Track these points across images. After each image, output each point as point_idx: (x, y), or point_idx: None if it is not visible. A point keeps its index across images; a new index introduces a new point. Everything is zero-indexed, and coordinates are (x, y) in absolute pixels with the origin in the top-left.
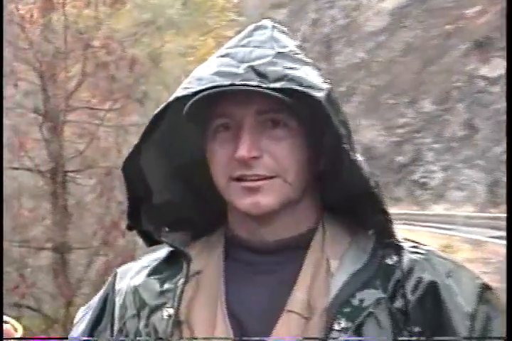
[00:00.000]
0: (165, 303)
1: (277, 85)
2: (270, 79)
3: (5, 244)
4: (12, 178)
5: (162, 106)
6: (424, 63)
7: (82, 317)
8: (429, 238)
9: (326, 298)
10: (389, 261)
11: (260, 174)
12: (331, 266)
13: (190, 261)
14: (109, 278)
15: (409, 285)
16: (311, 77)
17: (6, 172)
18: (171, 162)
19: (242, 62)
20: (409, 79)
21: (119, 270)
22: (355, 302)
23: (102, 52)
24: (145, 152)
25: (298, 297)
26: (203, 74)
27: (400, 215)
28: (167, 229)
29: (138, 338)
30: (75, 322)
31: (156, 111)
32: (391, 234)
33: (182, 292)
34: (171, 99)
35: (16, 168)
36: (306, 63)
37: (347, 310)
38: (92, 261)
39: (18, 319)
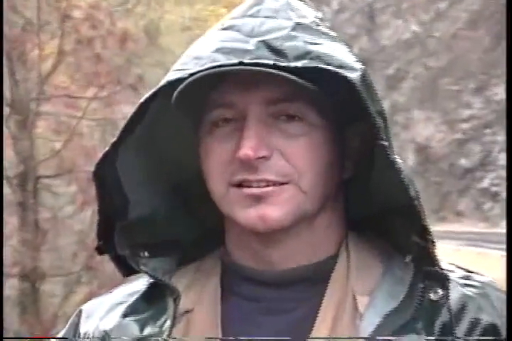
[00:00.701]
0: None
1: (299, 64)
2: (289, 56)
3: None
4: None
5: (148, 93)
6: (496, 38)
7: None
8: (501, 262)
9: None
10: (433, 297)
11: (268, 179)
12: (359, 304)
13: (179, 296)
14: (72, 318)
15: (462, 329)
16: (341, 54)
17: None
18: (154, 164)
19: (251, 36)
20: (476, 59)
21: (85, 307)
22: None
23: (84, 25)
24: (123, 152)
25: None
26: (202, 52)
27: (464, 234)
28: (147, 254)
29: (139, 337)
30: None
31: (141, 100)
32: (434, 261)
33: (169, 337)
34: (161, 84)
35: None
36: (333, 38)
37: None
38: (71, 291)
39: None
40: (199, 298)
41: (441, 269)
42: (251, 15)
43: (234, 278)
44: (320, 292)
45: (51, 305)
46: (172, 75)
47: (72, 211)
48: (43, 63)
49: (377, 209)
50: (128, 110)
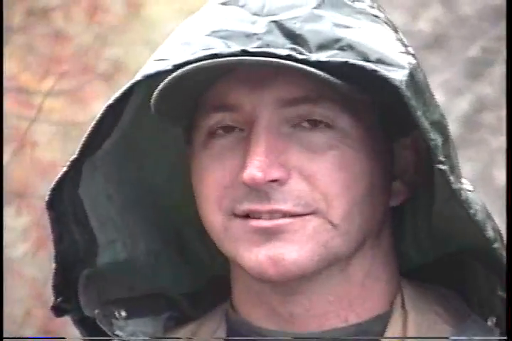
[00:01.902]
0: None
1: (323, 57)
2: (311, 44)
3: None
4: None
5: (118, 93)
6: None
7: None
8: None
9: None
10: None
11: (284, 209)
12: None
13: None
14: None
15: None
16: (383, 42)
17: None
18: (132, 189)
19: (261, 14)
20: None
21: None
22: None
23: None
24: (89, 173)
25: None
26: (192, 35)
27: None
28: (124, 314)
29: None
30: None
31: (107, 102)
32: None
33: None
34: (136, 79)
35: None
36: (375, 18)
37: None
38: None
39: None
40: None
41: None
42: None
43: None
44: None
45: None
46: (151, 67)
47: (24, 251)
48: None
49: (441, 251)
50: (99, 109)
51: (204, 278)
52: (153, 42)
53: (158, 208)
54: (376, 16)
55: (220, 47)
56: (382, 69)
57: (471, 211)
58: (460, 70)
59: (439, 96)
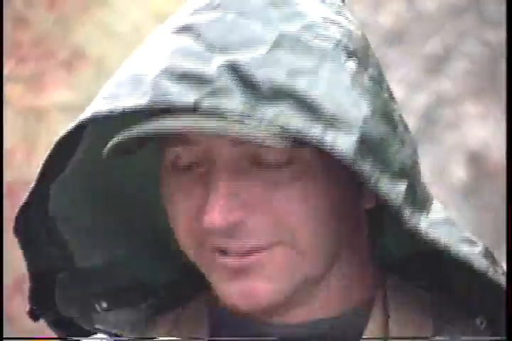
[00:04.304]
0: None
1: (270, 114)
2: (264, 92)
3: None
4: None
5: (68, 128)
6: None
7: None
8: None
9: None
10: None
11: (248, 246)
12: None
13: None
14: None
15: None
16: (337, 91)
17: None
18: (105, 197)
19: (214, 49)
20: None
21: None
22: None
23: None
24: (55, 191)
25: None
26: (144, 70)
27: None
28: (105, 305)
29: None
30: None
31: (58, 138)
32: None
33: None
34: (86, 116)
35: None
36: (334, 53)
37: None
38: None
39: None
40: None
41: None
42: (218, 8)
43: (226, 330)
44: None
45: None
46: (99, 106)
47: None
48: None
49: (419, 248)
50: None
51: (183, 266)
52: (114, 28)
53: (132, 212)
54: (351, 52)
55: (172, 91)
56: (329, 137)
57: (433, 242)
58: (419, 66)
59: (398, 92)
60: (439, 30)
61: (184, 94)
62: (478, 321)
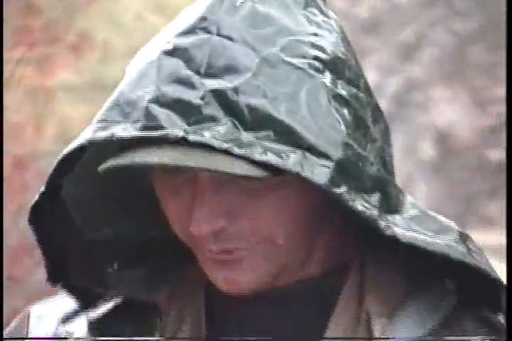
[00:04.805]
0: None
1: (251, 144)
2: (247, 120)
3: None
4: None
5: (70, 148)
6: None
7: None
8: None
9: None
10: None
11: (231, 247)
12: (375, 327)
13: (166, 318)
14: (14, 323)
15: None
16: (317, 115)
17: None
18: (114, 183)
19: (201, 74)
20: None
21: (34, 310)
22: None
23: None
24: (67, 182)
25: None
26: (136, 94)
27: (493, 246)
28: (116, 266)
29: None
30: None
31: (59, 157)
32: (493, 300)
33: None
34: (82, 141)
35: None
36: (316, 73)
37: None
38: None
39: None
40: (182, 316)
41: (503, 316)
42: (204, 30)
43: (220, 293)
44: (326, 309)
45: None
46: (94, 132)
47: None
48: None
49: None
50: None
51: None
52: (117, 18)
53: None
54: (317, 69)
55: (161, 118)
56: (306, 169)
57: (409, 242)
58: (393, 52)
59: (373, 76)
60: (411, 21)
61: (173, 125)
62: (447, 283)
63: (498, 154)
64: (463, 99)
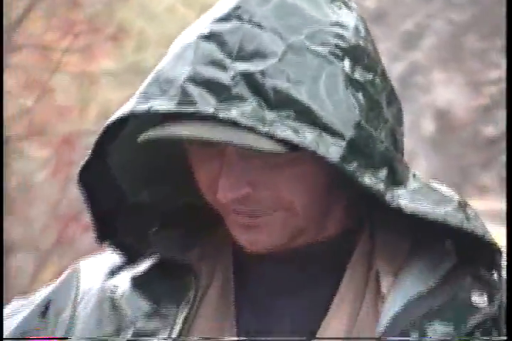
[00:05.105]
0: (158, 330)
1: (273, 122)
2: (271, 101)
3: None
4: None
5: (114, 119)
6: None
7: (16, 312)
8: None
9: (373, 330)
10: (475, 300)
11: (255, 210)
12: (382, 284)
13: (199, 275)
14: (64, 275)
15: (501, 318)
16: (332, 99)
17: None
18: (153, 154)
19: (232, 57)
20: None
21: (83, 265)
22: (414, 337)
23: None
24: (112, 151)
25: (333, 325)
26: (173, 74)
27: (487, 211)
28: (156, 228)
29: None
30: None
31: (106, 124)
32: (488, 260)
33: (187, 318)
34: (125, 112)
35: None
36: (335, 60)
37: None
38: (42, 267)
39: None
40: (212, 273)
41: (497, 272)
42: (238, 17)
43: (245, 254)
44: (339, 270)
45: (20, 281)
46: (135, 104)
47: (44, 177)
48: (12, 8)
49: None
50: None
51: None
52: (155, 10)
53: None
54: (338, 56)
55: (195, 95)
56: (321, 147)
57: (413, 213)
58: (397, 41)
59: None
60: (413, 12)
61: (205, 102)
62: (447, 246)
63: (491, 130)
64: (459, 81)
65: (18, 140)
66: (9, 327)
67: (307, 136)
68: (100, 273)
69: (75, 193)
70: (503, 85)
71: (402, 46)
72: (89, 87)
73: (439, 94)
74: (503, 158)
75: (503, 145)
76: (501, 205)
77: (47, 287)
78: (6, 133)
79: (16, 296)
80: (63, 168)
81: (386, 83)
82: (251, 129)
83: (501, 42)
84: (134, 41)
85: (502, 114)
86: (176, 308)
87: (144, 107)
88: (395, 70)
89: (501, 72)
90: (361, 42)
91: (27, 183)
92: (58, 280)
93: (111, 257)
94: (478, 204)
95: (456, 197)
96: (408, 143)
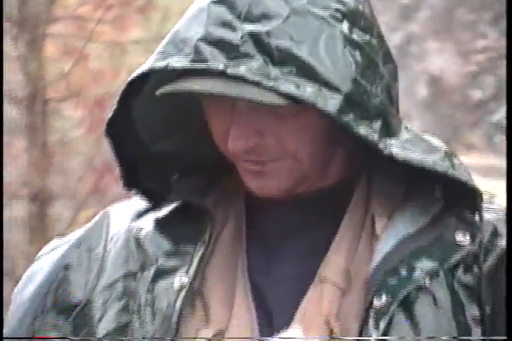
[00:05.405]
0: (178, 268)
1: (277, 77)
2: (275, 59)
3: None
4: None
5: (135, 74)
6: None
7: (53, 250)
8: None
9: (368, 266)
10: (459, 238)
11: (263, 159)
12: (377, 225)
13: (214, 218)
14: (97, 218)
15: (482, 255)
16: (331, 56)
17: None
18: (172, 106)
19: (241, 19)
20: None
21: (113, 210)
22: (403, 272)
23: None
24: (136, 105)
25: (333, 262)
26: (188, 35)
27: (474, 166)
28: (175, 177)
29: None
30: (41, 252)
31: (129, 79)
32: (472, 203)
33: (203, 256)
34: (145, 68)
35: None
36: (335, 22)
37: (392, 281)
38: (78, 214)
39: None
40: (226, 217)
41: (478, 215)
42: None
43: (256, 199)
44: (339, 214)
45: (59, 226)
46: (154, 62)
47: (80, 135)
48: None
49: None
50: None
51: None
52: None
53: (193, 114)
54: (337, 19)
55: (207, 54)
56: (320, 99)
57: (405, 160)
58: (395, 13)
59: None
60: None
61: (216, 59)
62: (436, 192)
63: (478, 94)
64: (450, 50)
65: (56, 101)
66: (52, 259)
67: (307, 90)
68: (127, 216)
69: (107, 148)
70: (490, 54)
71: (400, 18)
72: (119, 54)
73: (432, 62)
74: (490, 118)
75: (489, 107)
76: (486, 160)
77: (81, 229)
78: (46, 95)
79: (55, 237)
80: (96, 126)
81: (382, 44)
82: (257, 84)
83: (488, 15)
84: (160, 13)
85: (488, 80)
86: (194, 248)
87: (162, 64)
88: (393, 40)
89: (488, 42)
90: (360, 7)
91: (65, 139)
92: (91, 223)
93: (137, 203)
94: (465, 159)
95: (444, 148)
96: (403, 106)
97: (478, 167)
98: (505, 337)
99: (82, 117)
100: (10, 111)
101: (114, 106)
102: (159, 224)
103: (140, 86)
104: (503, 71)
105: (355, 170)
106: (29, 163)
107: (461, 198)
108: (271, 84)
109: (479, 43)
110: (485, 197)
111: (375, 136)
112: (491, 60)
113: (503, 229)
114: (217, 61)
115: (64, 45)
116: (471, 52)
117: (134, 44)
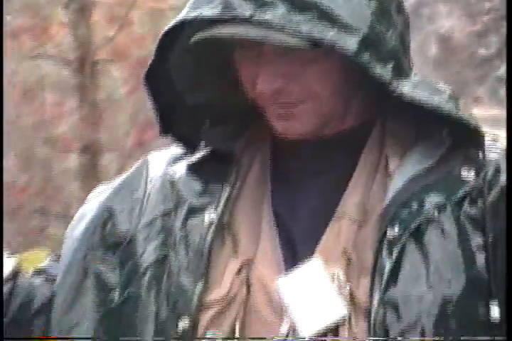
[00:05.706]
0: (207, 205)
1: (299, 22)
2: (297, 6)
3: (27, 143)
4: (34, 68)
5: (170, 26)
6: None
7: (99, 194)
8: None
9: (382, 202)
10: (464, 175)
11: (288, 101)
12: (390, 165)
13: (240, 161)
14: (137, 164)
15: (485, 189)
16: (350, 4)
17: (26, 62)
18: (206, 59)
19: None
20: None
21: (151, 157)
22: (414, 206)
23: None
24: (172, 57)
25: (350, 199)
26: None
27: (479, 117)
28: (207, 125)
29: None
30: (90, 196)
31: (164, 30)
32: (476, 142)
33: (230, 195)
34: (178, 19)
35: (38, 57)
36: None
37: (403, 214)
38: (124, 164)
39: (43, 228)
40: (252, 160)
41: (482, 153)
42: None
43: (281, 143)
44: (357, 154)
45: (107, 176)
46: (187, 13)
47: (125, 93)
48: None
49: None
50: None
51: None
52: None
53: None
54: None
55: (236, 4)
56: (340, 40)
57: (414, 100)
58: None
59: None
60: None
61: (243, 8)
62: (444, 133)
63: (484, 51)
64: (459, 12)
65: (103, 63)
66: (98, 201)
67: (328, 33)
68: (164, 162)
69: (150, 105)
70: (494, 15)
71: None
72: (159, 20)
73: (442, 23)
74: (495, 73)
75: (495, 63)
76: (492, 112)
77: (123, 174)
78: (94, 57)
79: (102, 183)
80: (140, 85)
81: None
82: (282, 29)
83: None
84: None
85: (494, 38)
86: (221, 188)
87: (194, 14)
88: (407, 3)
89: (493, 4)
90: None
91: (112, 97)
92: (132, 169)
93: (172, 151)
94: (473, 111)
95: (449, 92)
96: (415, 64)
97: (484, 118)
98: (505, 337)
99: (127, 77)
100: (62, 72)
101: (152, 58)
102: (191, 168)
103: (175, 39)
104: (505, 30)
105: (371, 115)
106: (80, 119)
107: (466, 139)
108: (294, 28)
109: (485, 5)
110: (489, 138)
111: (388, 76)
112: (495, 21)
113: (504, 167)
114: (245, 9)
115: (110, 12)
116: (477, 13)
117: (172, 10)
